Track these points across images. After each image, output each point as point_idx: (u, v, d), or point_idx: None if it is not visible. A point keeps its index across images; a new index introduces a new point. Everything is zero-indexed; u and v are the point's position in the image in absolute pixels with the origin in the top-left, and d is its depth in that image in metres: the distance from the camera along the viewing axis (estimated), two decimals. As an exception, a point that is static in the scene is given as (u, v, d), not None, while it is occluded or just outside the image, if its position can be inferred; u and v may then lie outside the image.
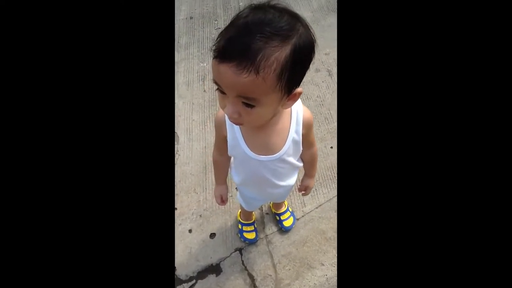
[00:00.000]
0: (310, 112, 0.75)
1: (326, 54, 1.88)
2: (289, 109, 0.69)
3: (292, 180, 0.88)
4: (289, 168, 0.81)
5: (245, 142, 0.72)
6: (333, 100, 1.70)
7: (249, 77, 0.50)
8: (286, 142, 0.71)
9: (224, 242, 1.25)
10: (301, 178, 0.96)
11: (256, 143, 0.72)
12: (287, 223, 1.25)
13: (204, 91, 1.75)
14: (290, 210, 1.28)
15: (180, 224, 1.29)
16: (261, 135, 0.70)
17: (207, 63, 1.86)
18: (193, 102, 1.70)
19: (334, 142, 1.54)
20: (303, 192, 0.97)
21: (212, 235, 1.26)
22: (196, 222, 1.30)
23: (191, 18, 2.14)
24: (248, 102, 0.54)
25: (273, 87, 0.52)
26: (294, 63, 0.52)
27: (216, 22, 2.10)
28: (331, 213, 1.29)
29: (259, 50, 0.49)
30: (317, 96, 1.71)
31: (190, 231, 1.27)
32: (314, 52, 0.56)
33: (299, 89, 0.59)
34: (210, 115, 1.64)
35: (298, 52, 0.52)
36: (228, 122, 0.72)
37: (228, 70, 0.50)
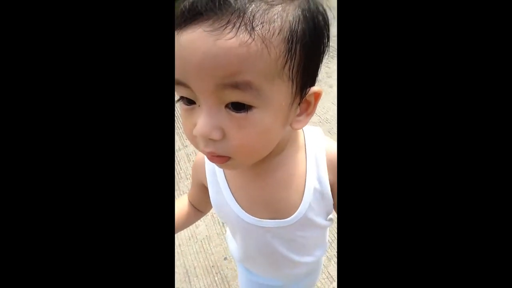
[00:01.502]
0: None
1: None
2: (303, 141, 0.44)
3: (320, 250, 0.54)
4: (315, 235, 0.49)
5: (234, 197, 0.44)
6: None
7: (238, 36, 0.28)
8: (304, 196, 0.42)
9: None
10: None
11: (255, 198, 0.44)
12: None
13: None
14: None
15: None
16: (262, 183, 0.43)
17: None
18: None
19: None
20: None
21: None
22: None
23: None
24: (239, 100, 0.30)
25: (281, 65, 0.30)
26: (307, 32, 0.31)
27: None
28: None
29: (248, 3, 0.29)
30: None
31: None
32: (329, 33, 0.35)
33: (316, 88, 0.36)
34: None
35: (312, 17, 0.32)
36: (208, 166, 0.47)
37: (199, 35, 0.28)
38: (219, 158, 0.34)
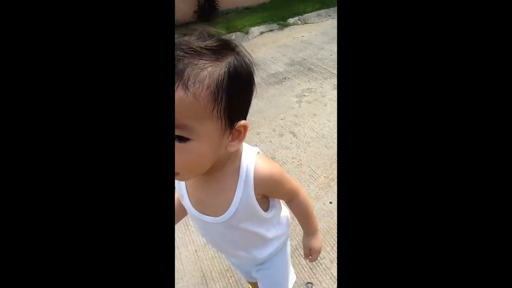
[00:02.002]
0: (271, 163, 0.58)
1: (282, 119, 2.09)
2: (239, 163, 0.54)
3: (261, 252, 0.66)
4: (247, 236, 0.62)
5: (188, 195, 0.59)
6: (309, 156, 1.76)
7: (177, 93, 0.40)
8: (231, 206, 0.55)
9: None
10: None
11: (198, 198, 0.58)
12: None
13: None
14: None
15: None
16: (204, 189, 0.56)
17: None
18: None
19: (331, 196, 1.48)
20: (310, 257, 0.74)
21: None
22: None
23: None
24: (180, 134, 0.42)
25: (209, 110, 0.42)
26: (231, 83, 0.43)
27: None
28: None
29: (187, 64, 0.41)
30: (293, 158, 1.76)
31: None
32: (254, 79, 0.48)
33: (243, 122, 0.47)
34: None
35: (235, 72, 0.44)
36: None
37: None
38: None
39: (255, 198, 0.56)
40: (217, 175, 0.54)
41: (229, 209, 0.56)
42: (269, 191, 0.59)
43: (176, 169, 0.46)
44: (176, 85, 0.40)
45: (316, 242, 0.72)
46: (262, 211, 0.59)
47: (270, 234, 0.65)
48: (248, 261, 0.71)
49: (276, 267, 0.74)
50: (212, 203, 0.57)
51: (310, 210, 0.69)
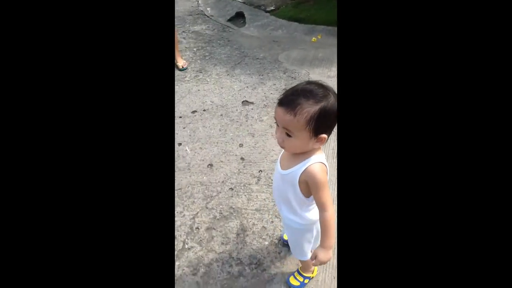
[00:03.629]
0: (323, 171, 0.93)
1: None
2: (314, 155, 0.95)
3: (283, 211, 1.08)
4: (284, 194, 1.04)
5: (280, 157, 1.07)
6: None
7: (289, 117, 0.85)
8: (289, 170, 0.98)
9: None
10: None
11: (285, 160, 1.03)
12: (291, 280, 1.29)
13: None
14: (303, 274, 1.29)
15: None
16: (291, 158, 0.99)
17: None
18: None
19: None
20: (312, 262, 0.98)
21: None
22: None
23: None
24: (288, 133, 0.88)
25: (303, 127, 0.85)
26: (319, 116, 0.85)
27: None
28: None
29: (298, 104, 0.84)
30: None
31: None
32: (336, 115, 0.86)
33: (323, 135, 0.89)
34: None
35: (324, 111, 0.85)
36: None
37: (280, 111, 0.87)
38: (281, 146, 0.93)
39: (298, 177, 0.95)
40: (300, 154, 0.95)
41: (288, 170, 0.98)
42: (304, 180, 0.95)
43: (284, 146, 0.93)
44: (290, 112, 0.84)
45: (324, 255, 0.96)
46: (299, 190, 0.99)
47: (296, 208, 1.04)
48: (280, 208, 1.12)
49: (291, 235, 1.19)
50: (287, 164, 0.99)
51: (330, 229, 0.95)
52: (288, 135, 0.88)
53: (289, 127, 0.86)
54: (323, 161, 0.95)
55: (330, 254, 0.95)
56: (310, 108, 0.83)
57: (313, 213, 1.04)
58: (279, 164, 1.04)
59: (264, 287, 1.31)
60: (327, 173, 0.94)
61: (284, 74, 2.59)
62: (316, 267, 1.30)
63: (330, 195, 0.94)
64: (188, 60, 2.78)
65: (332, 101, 0.85)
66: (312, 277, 1.31)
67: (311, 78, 2.52)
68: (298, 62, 2.73)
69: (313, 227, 1.09)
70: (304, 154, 0.94)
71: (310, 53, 2.85)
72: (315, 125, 0.85)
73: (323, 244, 0.96)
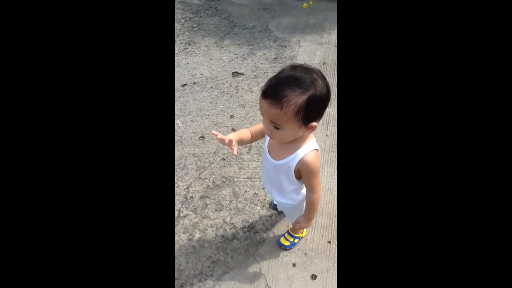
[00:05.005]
0: (317, 159, 0.93)
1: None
2: (305, 143, 0.94)
3: (275, 195, 1.10)
4: (277, 181, 1.04)
5: (267, 146, 1.04)
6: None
7: (276, 111, 0.80)
8: (282, 160, 0.96)
9: (324, 287, 1.26)
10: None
11: (274, 149, 1.01)
12: (282, 240, 1.35)
13: (326, 135, 1.80)
14: (293, 234, 1.35)
15: (286, 255, 1.35)
16: (281, 147, 0.97)
17: (333, 108, 1.91)
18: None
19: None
20: (296, 224, 1.13)
21: (313, 276, 1.29)
22: (301, 258, 1.34)
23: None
24: (275, 126, 0.85)
25: (292, 119, 0.81)
26: (308, 105, 0.80)
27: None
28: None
29: (284, 96, 0.79)
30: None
31: (294, 265, 1.33)
32: (328, 99, 0.85)
33: (314, 123, 0.86)
34: (329, 160, 1.68)
35: (313, 99, 0.81)
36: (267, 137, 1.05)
37: (265, 104, 0.82)
38: (270, 137, 0.91)
39: (294, 167, 0.95)
40: (291, 145, 0.93)
41: (281, 161, 0.96)
42: (300, 169, 0.96)
43: (273, 137, 0.90)
44: (276, 105, 0.80)
45: (305, 223, 1.11)
46: (294, 176, 0.99)
47: (288, 192, 1.07)
48: (271, 193, 1.15)
49: (285, 209, 1.25)
50: (278, 154, 0.97)
51: (314, 207, 1.05)
52: (276, 127, 0.84)
53: (276, 120, 0.82)
54: (315, 146, 0.95)
55: (311, 223, 1.13)
56: (297, 99, 0.78)
57: (304, 193, 1.09)
58: (268, 153, 1.00)
59: (256, 248, 1.39)
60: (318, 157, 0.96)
61: (274, 43, 2.54)
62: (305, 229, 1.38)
63: (320, 178, 1.00)
64: (176, 32, 2.72)
65: (320, 86, 0.81)
66: (302, 237, 1.39)
67: (302, 46, 2.48)
68: (288, 30, 2.67)
69: (304, 202, 1.14)
70: (296, 142, 0.92)
71: (301, 19, 2.78)
72: (304, 115, 0.81)
73: (306, 215, 1.09)
